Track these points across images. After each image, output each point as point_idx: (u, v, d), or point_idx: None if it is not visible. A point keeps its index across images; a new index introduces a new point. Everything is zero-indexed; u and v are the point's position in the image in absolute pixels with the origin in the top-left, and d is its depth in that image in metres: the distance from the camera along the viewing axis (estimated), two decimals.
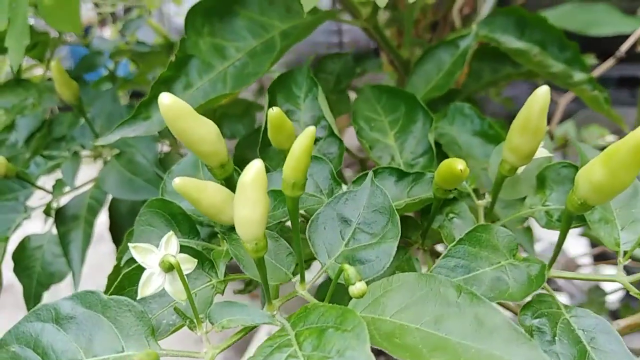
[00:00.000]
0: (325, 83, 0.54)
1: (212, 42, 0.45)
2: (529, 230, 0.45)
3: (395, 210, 0.28)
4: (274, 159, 0.39)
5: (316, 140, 0.40)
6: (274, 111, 0.31)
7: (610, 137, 0.97)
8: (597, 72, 0.76)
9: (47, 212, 0.55)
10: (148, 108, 0.42)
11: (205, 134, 0.27)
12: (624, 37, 0.81)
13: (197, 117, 0.27)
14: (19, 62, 0.67)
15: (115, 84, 0.80)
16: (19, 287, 0.56)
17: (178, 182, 0.27)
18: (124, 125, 0.41)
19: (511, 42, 0.55)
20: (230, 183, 0.31)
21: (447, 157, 0.45)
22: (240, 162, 0.51)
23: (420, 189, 0.36)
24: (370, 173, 0.30)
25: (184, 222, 0.33)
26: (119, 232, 0.65)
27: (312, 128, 0.23)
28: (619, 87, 1.85)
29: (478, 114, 0.47)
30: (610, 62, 0.80)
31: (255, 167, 0.23)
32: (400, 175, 0.36)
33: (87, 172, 0.65)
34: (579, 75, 0.55)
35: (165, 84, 0.42)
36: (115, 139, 0.41)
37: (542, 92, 0.28)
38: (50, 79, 0.79)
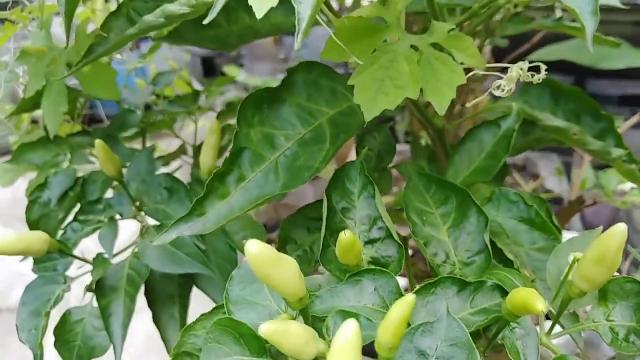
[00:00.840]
0: (367, 160, 0.54)
1: (262, 131, 0.45)
2: (575, 315, 0.45)
3: (475, 347, 0.29)
4: (333, 262, 0.39)
5: (373, 242, 0.40)
6: (347, 236, 0.32)
7: (630, 184, 0.98)
8: (623, 128, 0.77)
9: (89, 289, 0.55)
10: (203, 205, 0.42)
11: (288, 276, 0.28)
12: None
13: (281, 260, 0.27)
14: (55, 128, 0.67)
15: (143, 132, 0.81)
16: None
17: (265, 329, 0.27)
18: (180, 223, 0.41)
19: (550, 119, 0.55)
20: (305, 313, 0.31)
21: (497, 248, 0.45)
22: (286, 241, 0.52)
23: (483, 299, 0.36)
24: (445, 305, 0.30)
25: (253, 341, 0.33)
26: (154, 297, 0.65)
27: (412, 297, 0.23)
28: (620, 106, 1.83)
29: (524, 200, 0.47)
30: (637, 118, 0.80)
31: (351, 330, 0.23)
32: (462, 285, 0.36)
33: (123, 228, 0.65)
34: (617, 152, 0.55)
35: (219, 179, 0.43)
36: (172, 238, 0.41)
37: (620, 230, 0.29)
38: (80, 133, 0.80)
